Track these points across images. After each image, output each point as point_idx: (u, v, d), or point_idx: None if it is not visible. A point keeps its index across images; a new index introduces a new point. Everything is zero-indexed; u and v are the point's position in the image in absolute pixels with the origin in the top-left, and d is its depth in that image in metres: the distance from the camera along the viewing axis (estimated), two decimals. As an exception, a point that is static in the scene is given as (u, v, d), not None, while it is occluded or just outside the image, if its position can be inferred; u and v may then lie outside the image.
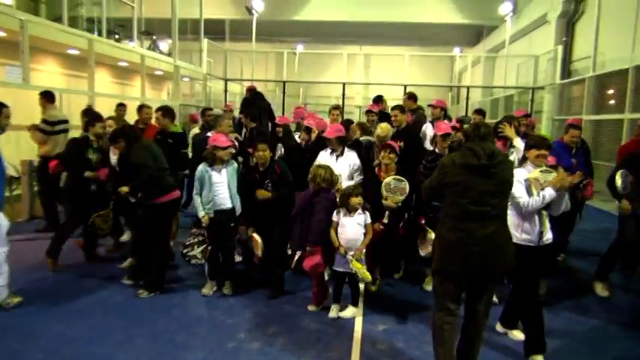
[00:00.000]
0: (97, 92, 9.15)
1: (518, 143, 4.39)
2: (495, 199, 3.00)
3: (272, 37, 21.90)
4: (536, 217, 3.55)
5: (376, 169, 4.80)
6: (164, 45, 16.08)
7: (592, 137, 9.96)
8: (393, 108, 5.99)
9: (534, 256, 3.56)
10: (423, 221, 4.65)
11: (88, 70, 8.93)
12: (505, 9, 16.56)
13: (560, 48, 12.93)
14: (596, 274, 5.07)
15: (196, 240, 4.71)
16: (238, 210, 4.62)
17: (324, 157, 5.09)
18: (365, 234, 4.21)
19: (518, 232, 3.55)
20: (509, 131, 4.47)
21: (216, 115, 6.01)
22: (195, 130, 6.66)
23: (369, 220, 4.23)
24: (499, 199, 3.03)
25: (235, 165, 4.70)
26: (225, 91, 15.14)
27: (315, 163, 4.74)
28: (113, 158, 5.02)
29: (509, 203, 3.32)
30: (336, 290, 4.34)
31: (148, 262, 4.70)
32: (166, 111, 5.61)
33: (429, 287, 4.73)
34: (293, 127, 6.59)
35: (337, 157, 5.04)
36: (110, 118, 6.04)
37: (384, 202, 4.49)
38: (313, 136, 5.62)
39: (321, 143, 5.37)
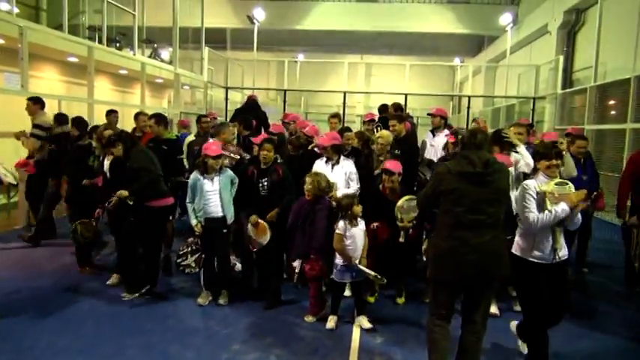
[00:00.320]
0: (97, 100, 9.11)
1: (523, 150, 4.31)
2: (491, 208, 2.99)
3: (273, 46, 21.92)
4: (549, 233, 3.28)
5: (380, 186, 4.72)
6: (166, 53, 16.10)
7: (594, 147, 9.88)
8: (391, 117, 5.95)
9: (546, 274, 3.31)
10: (429, 227, 4.56)
11: (88, 77, 8.90)
12: (506, 19, 16.56)
13: (561, 58, 12.88)
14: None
15: (190, 249, 4.64)
16: (230, 219, 4.54)
17: (320, 166, 5.03)
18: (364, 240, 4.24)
19: (529, 248, 3.31)
20: (513, 137, 4.39)
21: (220, 123, 5.96)
22: (191, 138, 6.61)
23: (364, 227, 4.25)
24: (495, 208, 3.01)
25: (230, 173, 4.62)
26: (226, 99, 15.10)
27: (312, 172, 4.66)
28: (106, 164, 4.96)
29: (518, 219, 3.35)
30: (335, 302, 4.25)
31: (137, 270, 4.64)
32: (159, 118, 5.59)
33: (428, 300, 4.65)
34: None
35: (333, 165, 4.97)
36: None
37: (399, 224, 4.41)
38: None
39: (309, 152, 5.34)
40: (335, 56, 21.57)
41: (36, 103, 6.33)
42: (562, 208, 3.19)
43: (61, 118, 6.34)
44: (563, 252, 3.38)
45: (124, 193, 4.51)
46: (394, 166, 4.63)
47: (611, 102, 10.31)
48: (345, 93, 14.38)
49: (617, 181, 8.32)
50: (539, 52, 15.25)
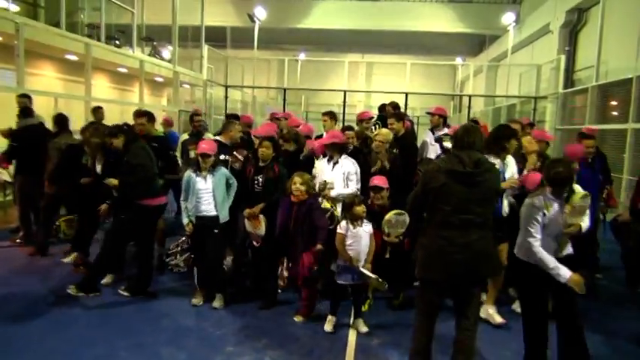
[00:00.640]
0: (94, 98, 9.07)
1: (510, 159, 4.22)
2: (480, 208, 2.98)
3: (274, 45, 21.86)
4: (555, 243, 3.22)
5: (369, 201, 4.48)
6: (166, 52, 16.04)
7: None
8: (390, 116, 5.87)
9: (547, 275, 3.15)
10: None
11: (85, 75, 8.85)
12: (508, 19, 16.47)
13: (562, 57, 12.81)
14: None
15: (179, 248, 4.58)
16: (223, 219, 4.46)
17: (321, 165, 4.96)
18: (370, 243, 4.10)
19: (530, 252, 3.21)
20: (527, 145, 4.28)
21: (227, 121, 5.90)
22: (185, 136, 6.55)
23: (372, 230, 4.10)
24: (484, 208, 3.01)
25: (224, 171, 4.54)
26: (226, 97, 15.06)
27: (299, 172, 4.52)
28: (98, 168, 4.90)
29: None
30: (335, 303, 4.15)
31: (103, 269, 4.66)
32: (151, 116, 5.54)
33: None
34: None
35: (334, 164, 4.89)
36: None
37: (386, 238, 4.26)
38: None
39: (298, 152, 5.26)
40: (336, 55, 21.51)
41: (22, 98, 6.28)
42: (563, 273, 3.03)
43: (25, 111, 6.15)
44: (566, 251, 3.28)
45: (113, 181, 4.48)
46: (382, 181, 4.51)
47: (613, 102, 10.22)
48: (345, 92, 14.33)
49: (617, 180, 8.28)
50: (541, 52, 15.16)
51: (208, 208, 4.40)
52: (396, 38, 21.32)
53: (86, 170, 5.16)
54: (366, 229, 4.04)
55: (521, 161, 4.35)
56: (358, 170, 4.86)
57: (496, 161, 3.99)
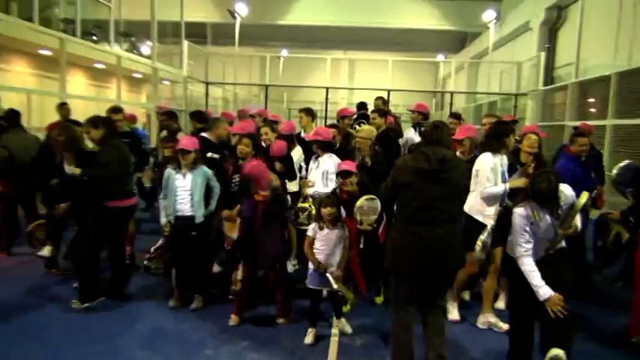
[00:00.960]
0: (70, 94, 8.80)
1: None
2: (446, 204, 3.08)
3: (255, 41, 21.67)
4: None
5: (337, 190, 4.27)
6: (145, 48, 15.75)
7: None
8: (372, 111, 5.82)
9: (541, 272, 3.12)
10: None
11: (60, 71, 8.59)
12: (488, 16, 16.59)
13: (542, 55, 12.93)
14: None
15: (160, 252, 4.45)
16: (198, 219, 4.29)
17: (311, 165, 4.91)
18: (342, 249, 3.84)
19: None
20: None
21: (214, 118, 5.77)
22: (164, 134, 6.40)
23: (347, 234, 3.87)
24: (450, 204, 3.10)
25: (205, 170, 4.38)
26: (207, 94, 14.86)
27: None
28: (67, 168, 4.71)
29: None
30: (313, 311, 3.89)
31: (95, 276, 4.38)
32: (122, 111, 5.38)
33: None
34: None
35: (320, 162, 4.82)
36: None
37: (359, 227, 4.03)
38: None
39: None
40: (318, 52, 21.39)
41: None
42: (543, 293, 2.97)
43: None
44: (560, 244, 3.22)
45: (76, 170, 4.27)
46: (350, 166, 4.21)
47: (592, 98, 10.34)
48: (327, 89, 14.26)
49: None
50: (522, 49, 15.29)
51: (186, 207, 4.26)
52: (379, 35, 21.34)
53: (61, 170, 4.95)
54: (338, 233, 3.80)
55: (513, 159, 4.26)
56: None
57: (497, 158, 3.94)
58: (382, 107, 6.93)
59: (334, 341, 3.81)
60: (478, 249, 3.74)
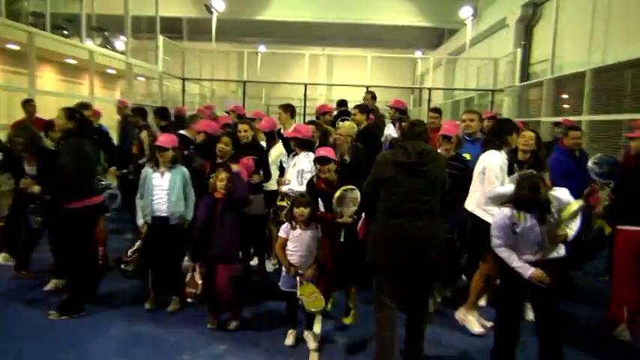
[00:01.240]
0: (39, 90, 8.52)
1: None
2: (426, 197, 3.13)
3: (233, 37, 21.37)
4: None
5: (315, 178, 4.10)
6: (119, 43, 15.38)
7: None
8: (354, 107, 5.75)
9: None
10: None
11: (29, 66, 8.29)
12: (465, 12, 16.68)
13: (519, 51, 13.04)
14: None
15: (137, 255, 4.30)
16: (173, 220, 4.13)
17: (289, 162, 4.81)
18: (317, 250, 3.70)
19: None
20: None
21: (193, 114, 5.63)
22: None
23: (320, 235, 3.73)
24: (429, 197, 3.15)
25: (184, 171, 4.22)
26: (183, 90, 14.60)
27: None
28: (27, 168, 4.52)
29: None
30: (289, 314, 3.78)
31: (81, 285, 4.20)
32: (90, 108, 5.21)
33: None
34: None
35: (296, 160, 4.72)
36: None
37: (339, 220, 3.82)
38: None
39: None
40: (296, 48, 21.25)
41: None
42: (524, 271, 3.02)
43: None
44: (556, 252, 3.12)
45: (36, 188, 4.06)
46: (329, 152, 3.99)
47: (567, 94, 10.48)
48: (306, 85, 14.16)
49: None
50: (498, 46, 15.42)
51: (163, 207, 4.12)
52: (356, 31, 21.28)
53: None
54: (312, 233, 3.67)
55: (511, 158, 4.18)
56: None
57: (500, 155, 3.83)
58: (371, 102, 6.89)
59: (315, 344, 3.72)
60: None
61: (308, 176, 4.47)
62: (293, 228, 3.65)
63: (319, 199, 3.96)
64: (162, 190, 4.12)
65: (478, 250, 3.94)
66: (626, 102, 8.21)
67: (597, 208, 4.43)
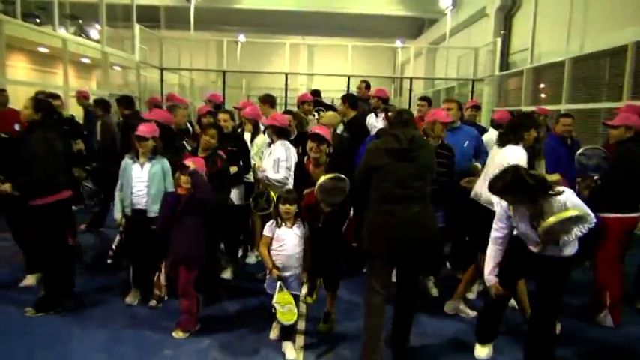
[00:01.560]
0: (10, 80, 8.22)
1: None
2: (418, 182, 3.15)
3: (211, 26, 21.01)
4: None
5: (305, 159, 3.90)
6: (95, 32, 14.96)
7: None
8: (342, 96, 5.69)
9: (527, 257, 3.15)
10: None
11: (-2, 54, 7.99)
12: (445, 2, 16.69)
13: (498, 41, 13.11)
14: None
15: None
16: (151, 213, 3.98)
17: (265, 152, 4.73)
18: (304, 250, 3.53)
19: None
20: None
21: (171, 104, 5.49)
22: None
23: (308, 232, 3.56)
24: (421, 182, 3.18)
25: (164, 164, 4.06)
26: (162, 80, 14.29)
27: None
28: None
29: None
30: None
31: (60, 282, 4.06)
32: (60, 98, 5.04)
33: None
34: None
35: (272, 149, 4.65)
36: None
37: (318, 209, 3.63)
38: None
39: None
40: (276, 37, 21.01)
41: None
42: (487, 280, 3.27)
43: None
44: (558, 250, 3.05)
45: (6, 187, 3.79)
46: (325, 131, 3.75)
47: (546, 83, 10.58)
48: (286, 75, 14.00)
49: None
50: (478, 35, 15.47)
51: (142, 200, 4.00)
52: (337, 21, 21.12)
53: None
54: (298, 231, 3.49)
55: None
56: (291, 158, 4.47)
57: (518, 150, 3.70)
58: (365, 92, 6.84)
59: (300, 338, 3.68)
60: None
61: (284, 165, 4.42)
62: (278, 226, 3.48)
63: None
64: (142, 182, 4.00)
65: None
66: (604, 91, 8.32)
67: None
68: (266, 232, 3.51)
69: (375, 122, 6.02)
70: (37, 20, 11.54)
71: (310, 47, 23.22)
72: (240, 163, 4.75)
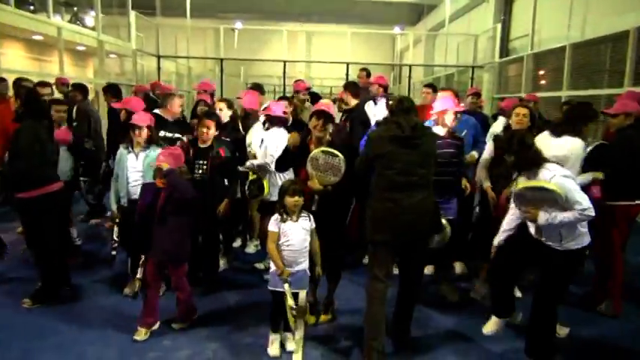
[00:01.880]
0: (5, 68, 8.12)
1: None
2: (422, 170, 3.14)
3: (208, 13, 20.75)
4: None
5: (307, 139, 3.69)
6: (90, 20, 14.78)
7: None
8: (345, 84, 5.61)
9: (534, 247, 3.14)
10: None
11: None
12: (444, -13, 16.48)
13: (498, 26, 12.98)
14: None
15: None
16: None
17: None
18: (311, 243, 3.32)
19: None
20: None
21: (167, 93, 5.39)
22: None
23: (314, 225, 3.34)
24: (425, 170, 3.16)
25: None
26: (159, 68, 14.15)
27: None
28: None
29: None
30: (275, 316, 3.35)
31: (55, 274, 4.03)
32: (50, 86, 4.95)
33: None
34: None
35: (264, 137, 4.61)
36: None
37: (309, 183, 3.44)
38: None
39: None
40: (274, 24, 20.80)
41: None
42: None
43: None
44: (560, 242, 3.03)
45: None
46: (329, 108, 3.60)
47: (547, 70, 10.48)
48: (284, 62, 13.88)
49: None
50: (478, 21, 15.32)
51: (138, 190, 3.92)
52: (335, 7, 20.88)
53: None
54: (304, 224, 3.27)
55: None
56: (279, 145, 4.30)
57: (577, 142, 3.64)
58: (366, 81, 6.73)
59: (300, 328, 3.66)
60: None
61: (271, 152, 4.38)
62: (284, 220, 3.24)
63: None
64: (137, 172, 3.96)
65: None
66: (605, 77, 8.24)
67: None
68: (272, 228, 3.23)
69: (374, 109, 5.95)
70: (31, 8, 11.41)
71: (309, 34, 23.01)
72: (237, 154, 4.66)
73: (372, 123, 5.66)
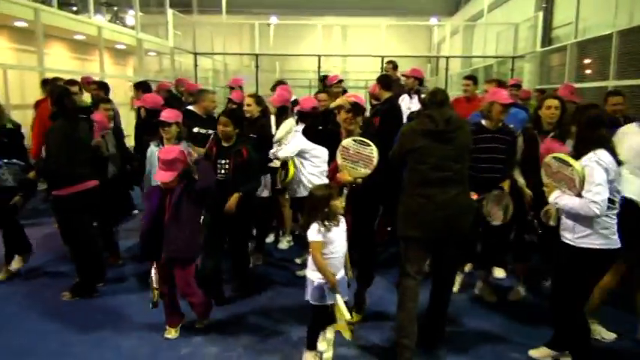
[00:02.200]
0: (49, 68, 8.41)
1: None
2: (457, 165, 3.04)
3: (243, 9, 20.95)
4: None
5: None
6: (130, 18, 15.17)
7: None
8: (378, 78, 5.50)
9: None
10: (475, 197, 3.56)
11: (36, 43, 8.17)
12: (483, -25, 16.02)
13: (540, 15, 12.49)
14: None
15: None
16: None
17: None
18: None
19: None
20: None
21: (199, 89, 5.44)
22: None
23: (346, 227, 3.05)
24: (460, 164, 3.06)
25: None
26: (195, 65, 14.38)
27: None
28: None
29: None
30: (315, 332, 3.09)
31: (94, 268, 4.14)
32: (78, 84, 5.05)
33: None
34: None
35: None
36: None
37: (338, 176, 3.34)
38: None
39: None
40: (309, 18, 20.77)
41: None
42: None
43: None
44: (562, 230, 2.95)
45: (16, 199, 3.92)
46: (362, 101, 3.54)
47: (592, 59, 10.01)
48: (319, 56, 13.83)
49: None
50: (518, 10, 14.79)
51: None
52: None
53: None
54: (343, 227, 3.00)
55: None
56: (291, 137, 4.42)
57: None
58: (392, 73, 6.62)
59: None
60: None
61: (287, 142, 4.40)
62: (327, 229, 2.90)
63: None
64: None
65: None
66: (656, 65, 7.79)
67: None
68: (317, 237, 2.86)
69: (409, 103, 5.83)
70: (74, 8, 11.77)
71: (343, 28, 22.85)
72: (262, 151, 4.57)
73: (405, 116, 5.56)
